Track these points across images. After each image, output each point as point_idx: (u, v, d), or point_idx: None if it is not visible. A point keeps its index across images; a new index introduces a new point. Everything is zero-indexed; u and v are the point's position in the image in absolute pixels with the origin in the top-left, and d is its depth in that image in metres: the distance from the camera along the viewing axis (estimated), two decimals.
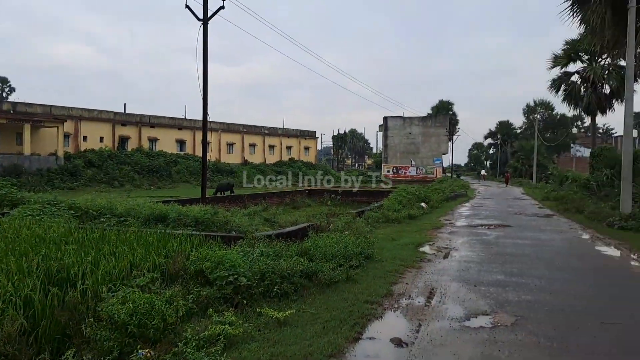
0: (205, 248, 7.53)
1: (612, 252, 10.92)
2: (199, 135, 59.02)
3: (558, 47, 36.60)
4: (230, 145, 62.72)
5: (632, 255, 10.28)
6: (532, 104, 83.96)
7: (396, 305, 6.51)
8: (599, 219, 15.89)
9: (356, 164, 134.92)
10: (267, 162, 65.32)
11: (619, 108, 34.40)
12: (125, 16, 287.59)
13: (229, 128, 63.14)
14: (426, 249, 11.14)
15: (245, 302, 6.16)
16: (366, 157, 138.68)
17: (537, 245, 11.62)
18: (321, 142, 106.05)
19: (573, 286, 7.58)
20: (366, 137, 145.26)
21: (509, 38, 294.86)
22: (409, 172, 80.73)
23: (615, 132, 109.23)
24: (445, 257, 10.12)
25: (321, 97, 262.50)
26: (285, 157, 69.68)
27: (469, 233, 13.81)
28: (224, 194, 34.90)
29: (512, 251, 10.73)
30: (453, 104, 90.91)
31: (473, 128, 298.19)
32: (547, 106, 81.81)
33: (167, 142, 54.12)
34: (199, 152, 58.35)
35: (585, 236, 13.26)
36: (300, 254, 8.41)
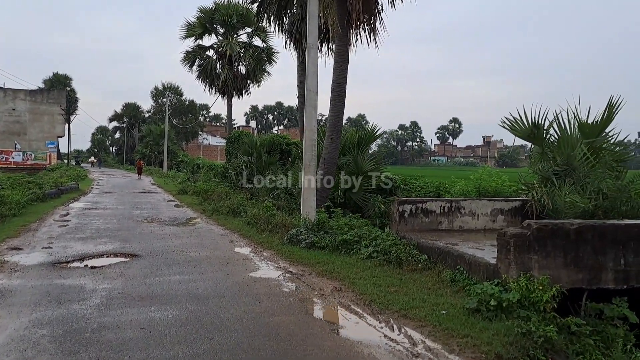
0: None
1: (360, 338, 5.26)
2: None
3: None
4: None
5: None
6: (160, 87, 78.95)
7: None
8: (270, 229, 10.66)
9: None
10: None
11: (253, 91, 32.37)
12: None
13: None
14: None
15: None
16: None
17: (198, 331, 4.87)
18: None
19: None
20: None
21: (136, 23, 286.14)
22: (13, 157, 63.46)
23: (236, 123, 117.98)
24: None
25: None
26: None
27: (39, 299, 5.84)
28: None
29: None
30: (71, 79, 76.98)
31: (99, 112, 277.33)
32: (176, 91, 78.41)
33: None
34: None
35: (273, 272, 7.42)
36: None
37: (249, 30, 31.52)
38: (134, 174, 44.79)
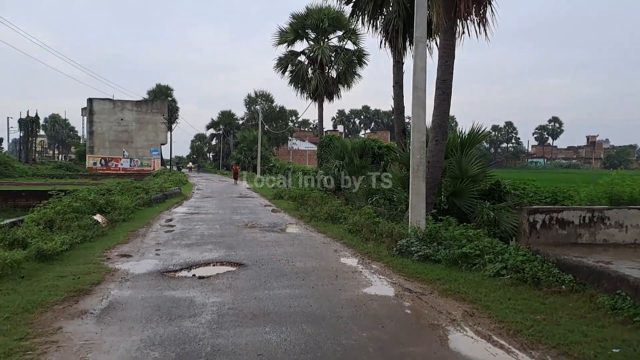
0: None
1: None
2: None
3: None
4: None
5: None
6: (253, 95, 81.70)
7: None
8: (375, 238, 10.00)
9: (61, 155, 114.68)
10: None
11: (344, 94, 31.88)
12: None
13: None
14: None
15: None
16: (73, 147, 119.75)
17: None
18: (8, 128, 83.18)
19: None
20: (73, 124, 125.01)
21: (228, 36, 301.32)
22: (121, 164, 68.72)
23: (324, 127, 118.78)
24: None
25: (17, 79, 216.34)
26: None
27: (150, 314, 5.55)
28: None
29: None
30: (172, 90, 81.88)
31: (196, 121, 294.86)
32: (267, 98, 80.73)
33: None
34: None
35: (388, 289, 6.71)
36: None
37: (339, 33, 31.17)
38: (230, 178, 46.28)
